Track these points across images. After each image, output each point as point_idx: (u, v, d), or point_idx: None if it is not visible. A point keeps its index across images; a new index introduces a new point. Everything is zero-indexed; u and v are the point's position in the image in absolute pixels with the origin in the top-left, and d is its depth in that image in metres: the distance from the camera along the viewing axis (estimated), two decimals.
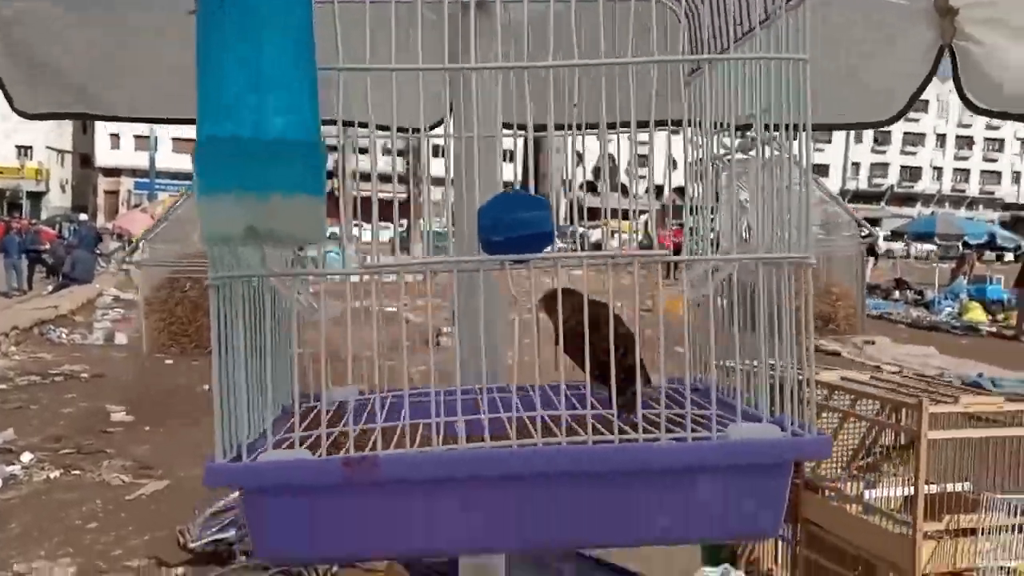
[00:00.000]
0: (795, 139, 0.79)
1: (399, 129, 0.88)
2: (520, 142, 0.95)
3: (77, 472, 7.25)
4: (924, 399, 2.09)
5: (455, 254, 0.84)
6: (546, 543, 0.80)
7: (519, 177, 0.93)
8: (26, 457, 7.48)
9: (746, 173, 0.86)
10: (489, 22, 1.01)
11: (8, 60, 1.94)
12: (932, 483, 2.19)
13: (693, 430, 0.78)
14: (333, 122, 0.84)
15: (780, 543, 2.70)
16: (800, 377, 0.78)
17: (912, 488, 2.13)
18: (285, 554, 0.80)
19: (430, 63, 0.81)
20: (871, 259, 25.30)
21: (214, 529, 5.54)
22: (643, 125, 0.82)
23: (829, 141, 67.56)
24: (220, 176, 0.63)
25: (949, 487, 2.26)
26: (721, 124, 0.90)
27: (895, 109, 2.09)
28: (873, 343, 15.01)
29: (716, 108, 0.92)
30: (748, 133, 0.84)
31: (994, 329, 18.03)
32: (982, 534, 2.09)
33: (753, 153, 0.83)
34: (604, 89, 0.83)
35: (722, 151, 0.92)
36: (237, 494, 5.69)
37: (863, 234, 1.52)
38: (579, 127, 0.95)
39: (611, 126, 0.91)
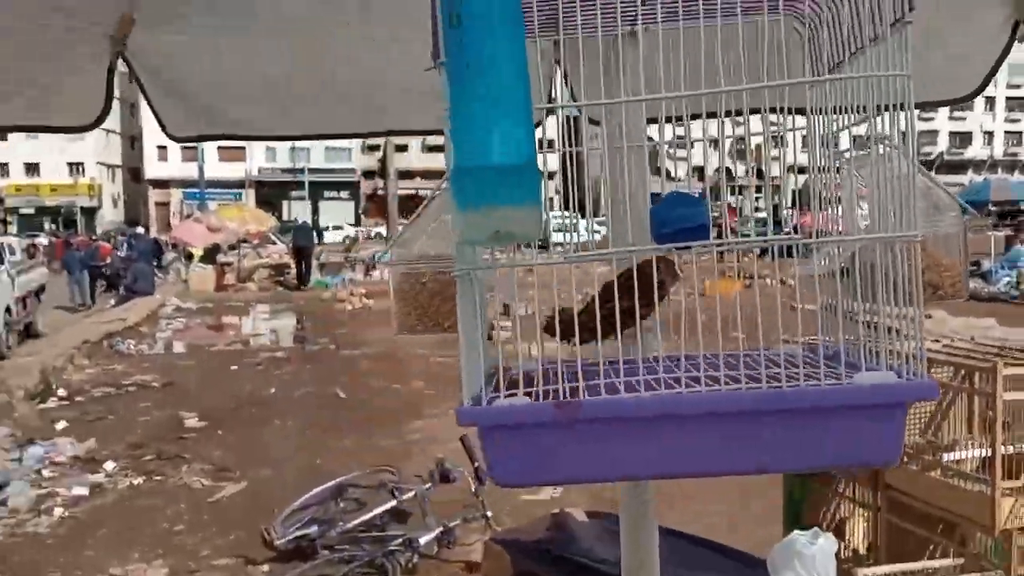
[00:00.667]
0: (902, 139, 0.94)
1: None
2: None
3: (159, 477, 7.56)
4: (999, 362, 2.17)
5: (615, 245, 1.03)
6: (712, 470, 0.99)
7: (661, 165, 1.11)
8: (109, 465, 7.81)
9: (863, 167, 1.00)
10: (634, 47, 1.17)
11: (157, 91, 2.13)
12: (1008, 444, 2.25)
13: (833, 380, 0.97)
14: None
15: (860, 509, 2.78)
16: (913, 335, 0.95)
17: (989, 450, 2.20)
18: (513, 479, 0.99)
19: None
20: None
21: (297, 526, 5.76)
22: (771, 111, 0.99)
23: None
24: (471, 196, 0.87)
25: None
26: (840, 125, 1.05)
27: (974, 84, 2.16)
28: (930, 316, 14.82)
29: (837, 112, 1.07)
30: (865, 133, 0.98)
31: None
32: None
33: (869, 150, 0.97)
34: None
35: (843, 148, 1.07)
36: (314, 492, 5.92)
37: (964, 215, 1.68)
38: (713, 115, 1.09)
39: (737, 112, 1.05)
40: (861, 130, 0.99)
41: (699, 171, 1.25)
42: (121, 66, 2.01)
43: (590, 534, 2.55)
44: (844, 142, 1.05)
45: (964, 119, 67.81)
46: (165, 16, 1.96)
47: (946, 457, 2.40)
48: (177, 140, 2.33)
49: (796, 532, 1.98)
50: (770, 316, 1.04)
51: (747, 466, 0.97)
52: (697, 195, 1.03)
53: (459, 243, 0.95)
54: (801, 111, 1.08)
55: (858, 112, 0.99)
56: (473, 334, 0.98)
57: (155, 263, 24.95)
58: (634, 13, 1.13)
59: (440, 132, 0.97)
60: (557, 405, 0.94)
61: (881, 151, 0.95)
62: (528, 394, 0.98)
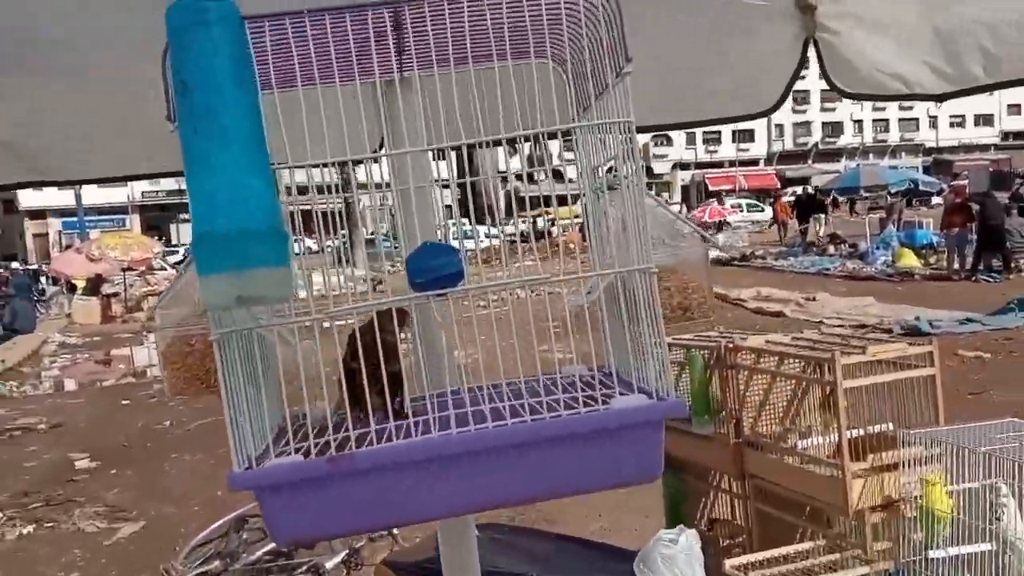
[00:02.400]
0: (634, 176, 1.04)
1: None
2: (453, 155, 1.16)
3: (51, 524, 7.24)
4: (837, 352, 2.34)
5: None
6: (485, 505, 1.06)
7: (455, 176, 1.16)
8: None
9: (613, 203, 1.11)
10: (410, 92, 1.22)
11: None
12: (855, 428, 2.43)
13: (592, 405, 1.06)
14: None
15: (734, 500, 2.94)
16: (658, 354, 1.05)
17: (837, 435, 2.38)
18: (295, 536, 1.04)
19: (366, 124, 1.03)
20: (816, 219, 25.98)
21: (199, 562, 5.61)
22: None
23: (753, 119, 68.73)
24: (212, 261, 0.87)
25: (872, 429, 2.51)
26: (595, 167, 1.15)
27: (774, 98, 2.35)
28: (814, 299, 15.53)
29: (590, 150, 1.18)
30: (611, 173, 1.08)
31: (927, 272, 18.75)
32: (904, 467, 2.34)
33: (615, 187, 1.08)
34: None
35: (596, 186, 1.17)
36: (214, 526, 5.76)
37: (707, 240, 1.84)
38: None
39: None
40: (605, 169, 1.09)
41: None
42: None
43: (479, 546, 2.62)
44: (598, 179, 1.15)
45: (834, 109, 71.14)
46: None
47: (802, 444, 2.57)
48: None
49: (661, 532, 2.11)
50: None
51: (522, 495, 1.04)
52: (447, 244, 1.09)
53: (210, 310, 0.96)
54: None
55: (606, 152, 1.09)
56: (237, 398, 0.99)
57: (35, 298, 23.80)
58: (398, 60, 1.17)
59: None
60: (329, 459, 0.98)
61: (620, 187, 1.05)
62: (307, 449, 1.01)
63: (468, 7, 1.05)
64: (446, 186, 1.25)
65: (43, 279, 28.36)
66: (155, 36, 1.02)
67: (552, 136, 1.10)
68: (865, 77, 2.16)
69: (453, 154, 1.13)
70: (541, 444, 1.00)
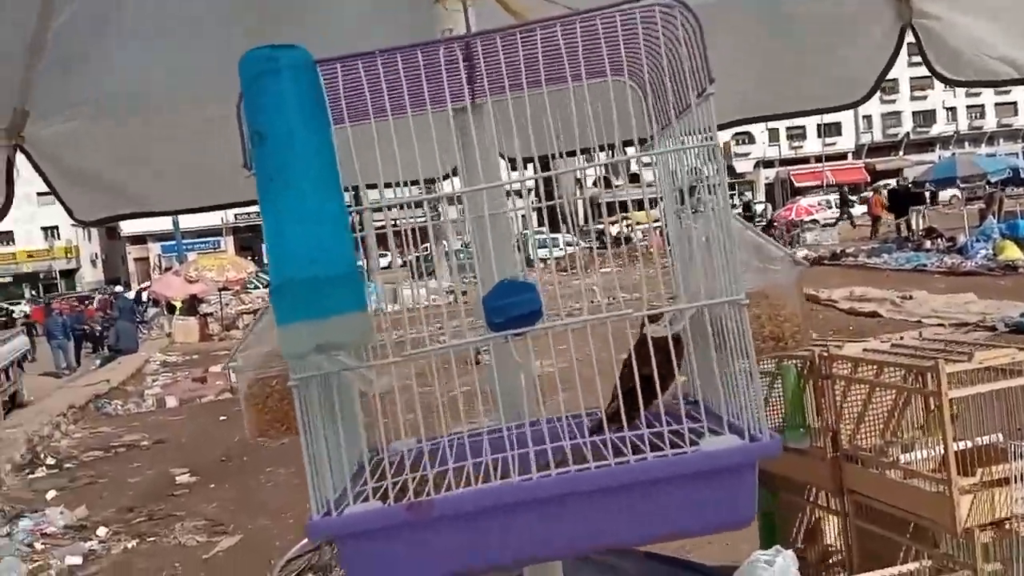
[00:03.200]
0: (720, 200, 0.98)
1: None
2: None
3: (153, 539, 7.50)
4: (940, 361, 2.21)
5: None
6: (570, 550, 1.01)
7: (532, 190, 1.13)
8: (102, 531, 7.74)
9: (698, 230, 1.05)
10: (483, 118, 1.20)
11: (59, 178, 2.16)
12: (961, 440, 2.29)
13: (680, 445, 1.00)
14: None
15: (832, 517, 2.81)
16: (751, 390, 0.98)
17: (943, 448, 2.24)
18: None
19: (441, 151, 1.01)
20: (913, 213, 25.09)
21: (293, 574, 5.73)
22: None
23: (846, 109, 66.86)
24: (290, 310, 0.87)
25: (981, 440, 2.36)
26: (678, 188, 1.09)
27: (865, 88, 2.24)
28: (911, 298, 14.94)
29: (672, 170, 1.13)
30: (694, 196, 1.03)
31: None
32: (1016, 482, 2.19)
33: (700, 210, 1.02)
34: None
35: (677, 208, 1.12)
36: (306, 540, 5.88)
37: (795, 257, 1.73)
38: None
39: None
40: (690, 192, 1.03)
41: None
42: None
43: (568, 564, 2.57)
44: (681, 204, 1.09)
45: (925, 97, 68.58)
46: (57, 105, 2.00)
47: (904, 458, 2.44)
48: (85, 225, 2.36)
49: (757, 553, 2.02)
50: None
51: (606, 539, 0.99)
52: (527, 281, 1.05)
53: (287, 359, 0.95)
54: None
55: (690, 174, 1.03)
56: (317, 445, 0.97)
57: (138, 319, 24.85)
58: (470, 89, 1.15)
59: None
60: (408, 507, 0.95)
61: (705, 211, 1.00)
62: (385, 492, 0.98)
63: (541, 34, 1.02)
64: (521, 195, 1.21)
65: (144, 300, 29.59)
66: (221, 75, 1.02)
67: (629, 143, 1.06)
68: (971, 62, 2.04)
69: (529, 165, 1.09)
70: (625, 489, 0.96)
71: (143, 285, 40.61)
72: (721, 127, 2.43)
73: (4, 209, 2.05)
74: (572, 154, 1.15)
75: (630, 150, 1.14)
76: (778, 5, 2.13)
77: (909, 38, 2.12)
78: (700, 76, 0.97)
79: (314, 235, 0.85)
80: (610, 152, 1.08)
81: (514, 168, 1.11)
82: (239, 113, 0.91)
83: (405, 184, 1.02)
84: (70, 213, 2.24)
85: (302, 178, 0.85)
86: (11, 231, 60.92)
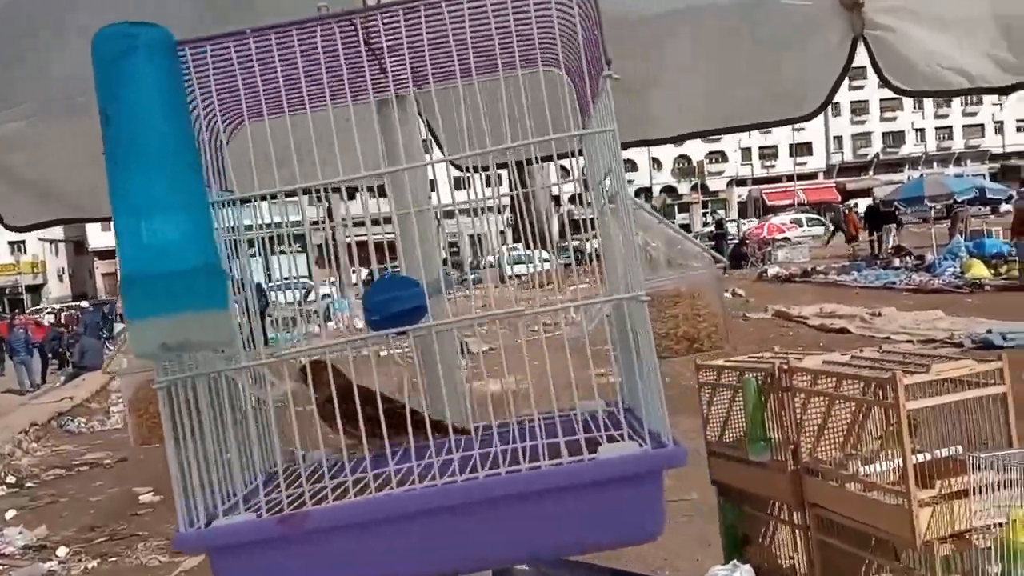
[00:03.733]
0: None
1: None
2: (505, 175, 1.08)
3: (114, 559, 7.33)
4: (897, 372, 2.19)
5: None
6: (455, 566, 0.95)
7: (502, 202, 1.08)
8: (62, 551, 7.56)
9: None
10: (407, 108, 1.15)
11: None
12: (920, 452, 2.27)
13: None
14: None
15: (793, 530, 2.79)
16: (655, 392, 0.92)
17: (902, 460, 2.22)
18: None
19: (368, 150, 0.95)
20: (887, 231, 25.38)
21: None
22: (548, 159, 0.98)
23: (798, 123, 67.79)
24: (139, 305, 0.80)
25: (940, 453, 2.35)
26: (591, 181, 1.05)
27: (819, 100, 2.23)
28: (880, 314, 15.06)
29: (594, 165, 1.08)
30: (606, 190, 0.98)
31: (998, 282, 18.05)
32: (975, 494, 2.17)
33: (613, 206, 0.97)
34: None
35: (597, 203, 1.07)
36: None
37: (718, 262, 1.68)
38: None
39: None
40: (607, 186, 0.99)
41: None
42: None
43: None
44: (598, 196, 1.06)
45: (895, 119, 69.68)
46: None
47: (864, 470, 2.41)
48: (17, 230, 2.30)
49: (715, 568, 1.99)
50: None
51: (501, 556, 0.92)
52: (409, 277, 1.00)
53: (137, 357, 0.90)
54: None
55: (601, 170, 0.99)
56: (180, 453, 0.91)
57: (105, 335, 24.46)
58: (407, 74, 1.10)
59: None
60: (281, 519, 0.89)
61: (610, 207, 0.95)
62: (270, 505, 0.92)
63: (447, 8, 0.96)
64: (499, 211, 1.17)
65: (110, 316, 29.17)
66: None
67: (563, 155, 1.02)
68: (924, 73, 2.04)
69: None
70: (519, 499, 0.89)
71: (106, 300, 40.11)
72: (672, 139, 2.43)
73: None
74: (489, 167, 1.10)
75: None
76: (728, 18, 2.12)
77: (861, 50, 2.12)
78: (598, 62, 0.93)
79: (163, 224, 0.78)
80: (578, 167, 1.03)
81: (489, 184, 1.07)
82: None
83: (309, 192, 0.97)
84: (0, 220, 2.17)
85: (150, 161, 0.78)
86: None
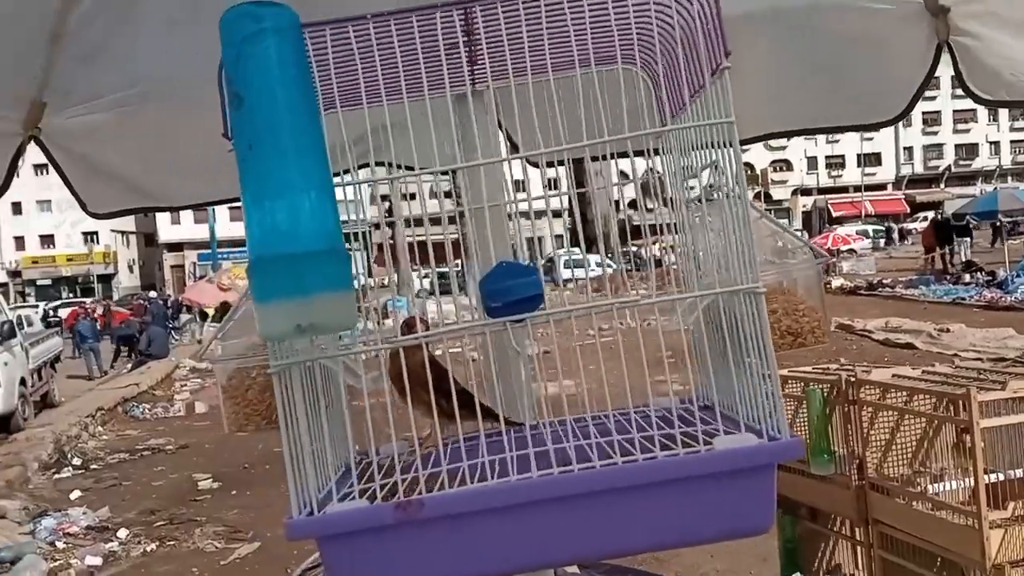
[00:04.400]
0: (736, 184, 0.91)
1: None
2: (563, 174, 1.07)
3: (172, 543, 7.51)
4: (972, 388, 2.12)
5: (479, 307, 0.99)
6: (572, 558, 0.93)
7: (565, 206, 1.07)
8: (123, 533, 7.78)
9: (711, 217, 0.99)
10: (485, 104, 1.14)
11: (74, 171, 2.16)
12: (993, 471, 2.20)
13: (692, 445, 0.91)
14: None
15: (855, 547, 2.72)
16: (769, 386, 0.90)
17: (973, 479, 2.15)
18: None
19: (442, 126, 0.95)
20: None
21: None
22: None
23: (877, 129, 66.23)
24: (269, 288, 0.80)
25: (1014, 473, 2.26)
26: (687, 172, 1.03)
27: (900, 107, 2.16)
28: (948, 331, 14.63)
29: (683, 157, 1.06)
30: (708, 179, 0.96)
31: None
32: None
33: (714, 197, 0.95)
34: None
35: (692, 196, 1.05)
36: None
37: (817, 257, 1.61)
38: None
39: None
40: (705, 179, 0.97)
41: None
42: None
43: None
44: (694, 191, 1.03)
45: (968, 131, 67.67)
46: (76, 97, 1.98)
47: (933, 488, 2.34)
48: (98, 217, 2.35)
49: None
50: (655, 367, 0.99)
51: (611, 547, 0.91)
52: (528, 264, 0.98)
53: (265, 340, 0.88)
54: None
55: (703, 159, 0.97)
56: (298, 437, 0.91)
57: (170, 325, 25.11)
58: (471, 71, 1.09)
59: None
60: (397, 506, 0.88)
61: (720, 198, 0.93)
62: (373, 492, 0.91)
63: (547, 7, 0.96)
64: (557, 215, 1.16)
65: (175, 307, 29.92)
66: None
67: (639, 153, 1.00)
68: (1008, 82, 1.95)
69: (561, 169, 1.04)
70: (633, 490, 0.88)
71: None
72: (751, 140, 2.39)
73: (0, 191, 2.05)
74: (600, 159, 1.08)
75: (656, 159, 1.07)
76: (812, 21, 2.07)
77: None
78: (716, 53, 0.90)
79: (296, 207, 0.79)
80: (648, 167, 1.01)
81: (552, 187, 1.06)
82: (220, 77, 0.86)
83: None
84: (83, 206, 2.24)
85: (284, 144, 0.78)
86: (52, 235, 62.25)
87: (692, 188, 1.05)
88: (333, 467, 1.01)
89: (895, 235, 47.64)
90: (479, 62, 1.05)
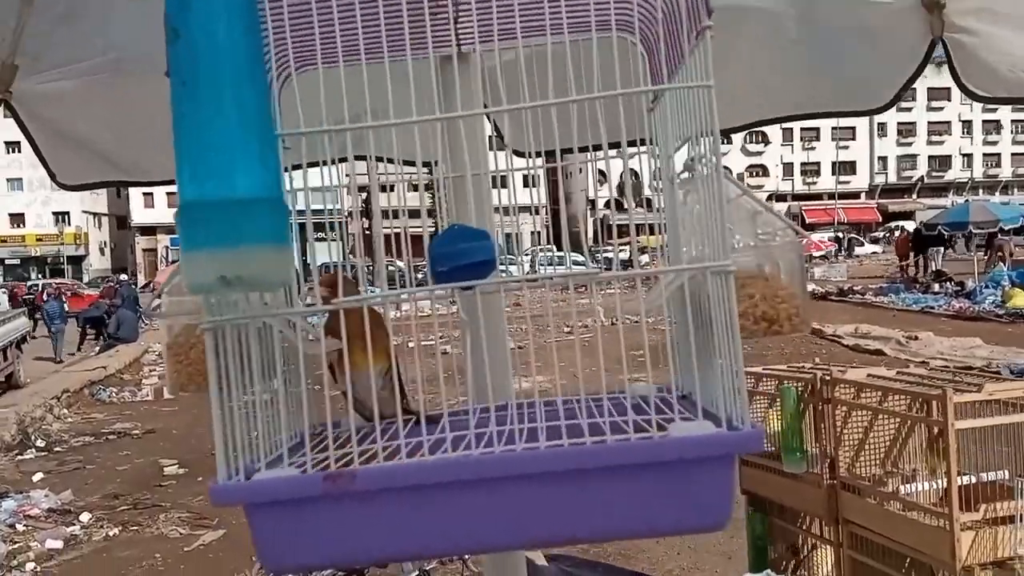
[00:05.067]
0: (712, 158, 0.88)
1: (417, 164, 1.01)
2: (544, 171, 1.03)
3: (135, 528, 7.41)
4: (948, 389, 2.12)
5: None
6: (511, 542, 0.89)
7: (543, 202, 1.03)
8: (85, 517, 7.67)
9: (689, 193, 0.95)
10: (470, 70, 1.10)
11: (44, 138, 2.09)
12: (965, 474, 2.20)
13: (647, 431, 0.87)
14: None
15: (824, 546, 2.72)
16: (733, 373, 0.85)
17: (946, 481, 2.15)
18: (285, 562, 0.87)
19: (424, 111, 0.91)
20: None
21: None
22: (617, 145, 0.92)
23: (853, 138, 67.00)
24: (196, 234, 0.75)
25: (986, 476, 2.27)
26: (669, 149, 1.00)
27: (885, 98, 2.14)
28: (917, 338, 14.81)
29: (665, 132, 1.02)
30: (688, 154, 0.92)
31: None
32: (1020, 521, 2.10)
33: (693, 172, 0.91)
34: (587, 116, 0.91)
35: (674, 170, 1.01)
36: None
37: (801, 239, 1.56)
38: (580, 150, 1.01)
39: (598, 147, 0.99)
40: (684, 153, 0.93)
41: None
42: None
43: None
44: (676, 167, 1.00)
45: (943, 143, 68.51)
46: (48, 62, 1.92)
47: (904, 489, 2.35)
48: (68, 188, 2.27)
49: (747, 575, 1.93)
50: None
51: (553, 534, 0.86)
52: (479, 228, 0.92)
53: (191, 291, 0.82)
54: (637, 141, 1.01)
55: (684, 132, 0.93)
56: (224, 399, 0.86)
57: (140, 309, 24.77)
58: (451, 35, 1.04)
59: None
60: (326, 476, 0.83)
61: (699, 173, 0.89)
62: (313, 463, 0.87)
63: None
64: (536, 211, 1.13)
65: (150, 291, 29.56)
66: None
67: (631, 143, 0.96)
68: (1006, 79, 1.93)
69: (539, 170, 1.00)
70: (578, 475, 0.83)
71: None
72: (738, 129, 2.37)
73: None
74: (583, 149, 1.05)
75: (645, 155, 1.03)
76: (807, 9, 2.05)
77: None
78: (698, 13, 0.86)
79: (230, 150, 0.73)
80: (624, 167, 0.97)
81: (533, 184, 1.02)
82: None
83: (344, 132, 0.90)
84: (52, 176, 2.16)
85: (220, 82, 0.73)
86: (22, 213, 61.36)
87: (673, 165, 1.01)
88: (287, 437, 0.95)
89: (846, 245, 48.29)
90: (464, 21, 1.00)
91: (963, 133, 68.26)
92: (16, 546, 6.99)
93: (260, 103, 0.76)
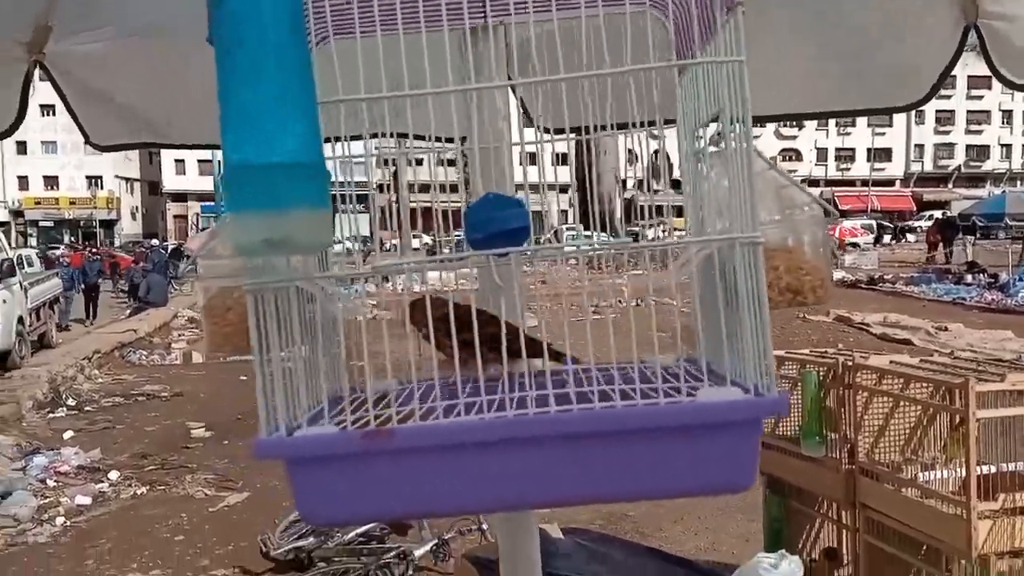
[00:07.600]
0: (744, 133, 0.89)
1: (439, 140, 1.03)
2: (572, 147, 1.05)
3: (162, 487, 7.57)
4: (970, 378, 2.12)
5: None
6: (543, 500, 0.93)
7: (574, 180, 1.06)
8: (113, 475, 7.84)
9: (716, 166, 0.97)
10: (496, 43, 1.12)
11: (78, 99, 2.11)
12: (985, 463, 2.21)
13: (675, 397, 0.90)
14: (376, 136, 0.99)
15: (840, 530, 2.74)
16: (760, 342, 0.88)
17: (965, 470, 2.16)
18: (323, 515, 0.92)
19: (451, 83, 0.93)
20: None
21: (293, 537, 5.74)
22: (650, 124, 0.94)
23: (889, 124, 65.91)
24: (242, 197, 0.77)
25: (1007, 466, 2.27)
26: (696, 123, 1.01)
27: (923, 91, 2.11)
28: (947, 329, 14.65)
29: (694, 108, 1.04)
30: (716, 129, 0.94)
31: None
32: None
33: (720, 146, 0.93)
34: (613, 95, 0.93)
35: (700, 145, 1.03)
36: None
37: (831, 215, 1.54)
38: (606, 128, 1.03)
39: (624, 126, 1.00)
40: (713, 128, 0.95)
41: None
42: None
43: (563, 550, 2.53)
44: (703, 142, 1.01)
45: (981, 132, 67.23)
46: (83, 23, 1.93)
47: (923, 476, 2.35)
48: (101, 149, 2.29)
49: (760, 555, 1.96)
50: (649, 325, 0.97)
51: (582, 494, 0.89)
52: (513, 197, 0.95)
53: (236, 253, 0.85)
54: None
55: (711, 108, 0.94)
56: (266, 359, 0.89)
57: (171, 274, 25.06)
58: (483, 8, 1.05)
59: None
60: (365, 434, 0.87)
61: (726, 148, 0.91)
62: (353, 422, 0.90)
63: None
64: (563, 190, 1.14)
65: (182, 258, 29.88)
66: None
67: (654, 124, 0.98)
68: None
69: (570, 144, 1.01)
70: (607, 437, 0.87)
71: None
72: (770, 119, 2.36)
73: (15, 125, 2.01)
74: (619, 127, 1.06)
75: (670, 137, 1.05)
76: (835, 4, 2.03)
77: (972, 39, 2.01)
78: None
79: (275, 115, 0.75)
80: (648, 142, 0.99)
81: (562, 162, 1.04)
82: None
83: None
84: (86, 137, 2.18)
85: (265, 48, 0.75)
86: (56, 176, 62.13)
87: (700, 139, 1.03)
88: (325, 395, 0.99)
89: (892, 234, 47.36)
90: None
91: (1003, 123, 66.93)
92: (47, 500, 7.17)
93: (303, 69, 0.78)
